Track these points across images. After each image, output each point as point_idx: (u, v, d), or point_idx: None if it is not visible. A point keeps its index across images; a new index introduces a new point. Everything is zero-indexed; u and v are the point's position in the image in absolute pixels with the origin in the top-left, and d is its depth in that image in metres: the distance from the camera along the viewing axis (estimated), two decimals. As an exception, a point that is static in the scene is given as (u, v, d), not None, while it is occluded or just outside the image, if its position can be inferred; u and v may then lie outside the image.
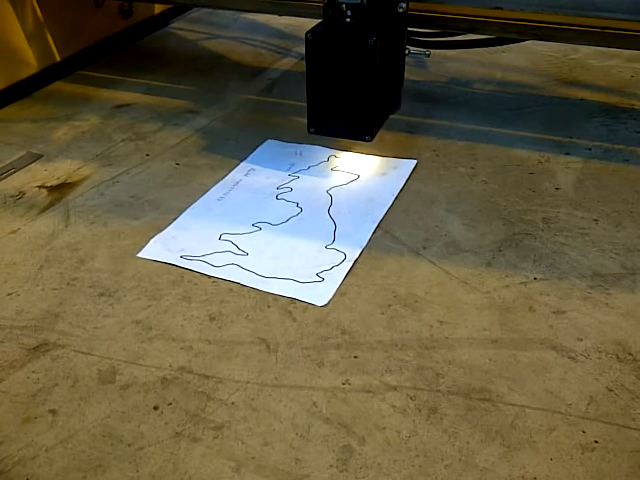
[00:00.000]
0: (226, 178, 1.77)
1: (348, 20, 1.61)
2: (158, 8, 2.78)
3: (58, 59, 2.32)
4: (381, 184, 1.73)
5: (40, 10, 2.23)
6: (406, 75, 1.82)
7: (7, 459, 1.05)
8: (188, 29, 2.86)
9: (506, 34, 1.78)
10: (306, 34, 1.60)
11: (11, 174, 1.81)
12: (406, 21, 1.69)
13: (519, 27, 1.70)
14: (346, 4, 1.60)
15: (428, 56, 1.83)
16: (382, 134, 1.95)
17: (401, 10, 1.65)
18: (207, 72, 2.43)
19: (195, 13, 3.02)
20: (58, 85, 2.32)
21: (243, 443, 1.07)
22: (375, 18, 1.62)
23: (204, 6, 2.60)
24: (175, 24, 2.90)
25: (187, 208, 1.65)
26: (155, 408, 1.13)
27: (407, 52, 1.77)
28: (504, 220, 1.58)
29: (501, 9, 1.66)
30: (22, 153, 1.91)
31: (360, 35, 1.58)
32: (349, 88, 1.63)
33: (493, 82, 2.30)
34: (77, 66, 2.41)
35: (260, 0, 1.94)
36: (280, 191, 1.72)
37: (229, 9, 2.36)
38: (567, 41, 1.74)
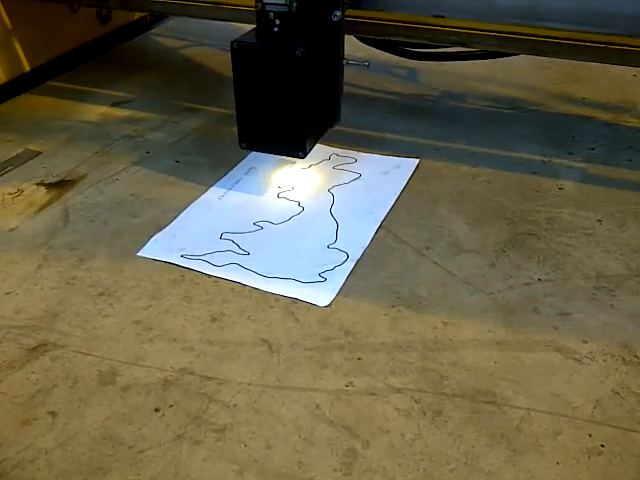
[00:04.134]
0: (226, 176, 1.76)
1: (276, 29, 1.50)
2: (138, 13, 2.68)
3: (27, 69, 2.24)
4: (383, 183, 1.71)
5: (8, 17, 2.13)
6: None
7: (6, 462, 1.03)
8: (170, 36, 2.77)
9: (502, 49, 1.72)
10: (231, 43, 1.48)
11: (9, 171, 1.79)
12: (342, 30, 1.59)
13: (515, 41, 1.64)
14: (274, 12, 1.49)
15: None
16: (383, 133, 1.94)
17: (336, 19, 1.54)
18: (201, 73, 2.41)
19: (176, 19, 2.94)
20: (49, 86, 2.29)
21: (246, 446, 1.06)
22: (307, 27, 1.51)
23: (180, 15, 2.37)
24: (155, 30, 2.82)
25: (187, 207, 1.63)
26: (156, 410, 1.12)
27: (345, 62, 1.66)
28: (508, 220, 1.57)
29: (443, 17, 1.62)
30: (20, 150, 1.89)
31: (287, 46, 1.45)
32: (278, 101, 1.51)
33: (494, 81, 2.29)
34: (56, 72, 2.33)
35: (237, 10, 1.82)
36: (281, 190, 1.70)
37: (204, 18, 2.20)
38: (564, 56, 1.65)
